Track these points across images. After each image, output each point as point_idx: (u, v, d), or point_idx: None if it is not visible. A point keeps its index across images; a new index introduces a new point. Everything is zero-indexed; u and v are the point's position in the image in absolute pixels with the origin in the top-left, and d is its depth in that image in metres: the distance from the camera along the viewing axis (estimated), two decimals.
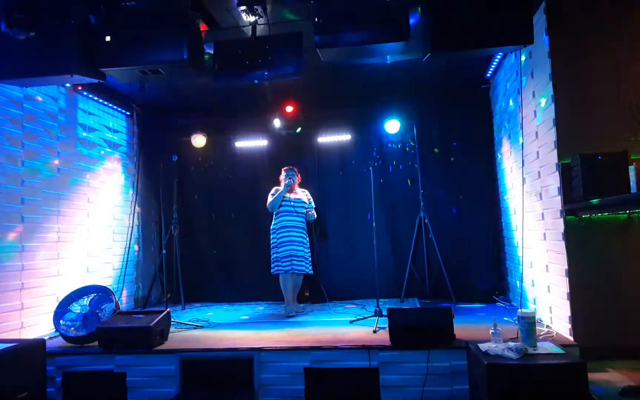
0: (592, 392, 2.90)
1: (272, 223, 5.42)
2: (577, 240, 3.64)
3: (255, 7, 3.68)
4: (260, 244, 5.90)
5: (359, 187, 6.18)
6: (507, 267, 5.64)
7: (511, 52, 4.56)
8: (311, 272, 5.45)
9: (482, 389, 2.96)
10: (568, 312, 3.63)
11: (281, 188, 5.39)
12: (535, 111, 4.20)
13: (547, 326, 4.04)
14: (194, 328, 4.69)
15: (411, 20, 3.64)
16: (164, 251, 5.70)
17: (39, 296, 4.53)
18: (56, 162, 4.88)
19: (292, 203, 5.34)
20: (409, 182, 6.21)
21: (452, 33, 3.55)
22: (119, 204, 5.97)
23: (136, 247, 6.25)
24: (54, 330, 4.27)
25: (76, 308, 4.29)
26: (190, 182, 6.67)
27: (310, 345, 3.84)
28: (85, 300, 4.37)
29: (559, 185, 3.73)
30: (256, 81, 4.14)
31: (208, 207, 6.64)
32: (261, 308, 5.89)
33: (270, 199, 5.41)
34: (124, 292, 5.87)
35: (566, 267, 3.65)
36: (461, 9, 3.53)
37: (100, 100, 5.65)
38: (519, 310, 3.33)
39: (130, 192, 6.22)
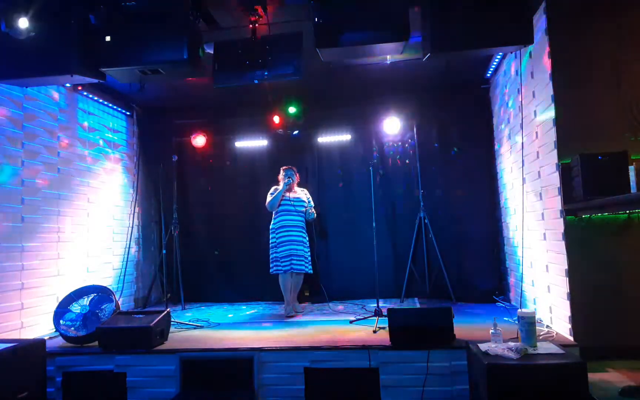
0: (592, 392, 2.90)
1: (272, 222, 5.41)
2: (577, 240, 3.64)
3: (255, 7, 3.69)
4: (260, 244, 5.89)
5: (358, 186, 6.19)
6: (507, 267, 5.63)
7: (511, 52, 4.56)
8: (311, 271, 5.45)
9: (482, 389, 2.96)
10: (568, 312, 3.63)
11: (280, 187, 5.40)
12: (535, 111, 4.20)
13: (547, 326, 4.04)
14: (194, 328, 4.69)
15: (411, 20, 3.64)
16: (164, 251, 5.70)
17: (39, 296, 4.53)
18: (56, 162, 4.88)
19: (291, 202, 5.34)
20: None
21: (452, 33, 3.55)
22: (119, 204, 5.98)
23: (133, 248, 6.24)
24: (54, 330, 4.27)
25: (76, 308, 4.29)
26: (190, 182, 6.66)
27: (310, 345, 3.84)
28: (85, 300, 4.37)
29: (559, 185, 3.72)
30: (256, 81, 4.13)
31: (208, 207, 6.62)
32: (261, 308, 5.88)
33: (269, 198, 5.40)
34: (124, 292, 5.87)
35: (566, 267, 3.65)
36: (461, 8, 3.53)
37: (100, 100, 5.65)
38: (519, 310, 3.33)
39: (130, 192, 6.22)
